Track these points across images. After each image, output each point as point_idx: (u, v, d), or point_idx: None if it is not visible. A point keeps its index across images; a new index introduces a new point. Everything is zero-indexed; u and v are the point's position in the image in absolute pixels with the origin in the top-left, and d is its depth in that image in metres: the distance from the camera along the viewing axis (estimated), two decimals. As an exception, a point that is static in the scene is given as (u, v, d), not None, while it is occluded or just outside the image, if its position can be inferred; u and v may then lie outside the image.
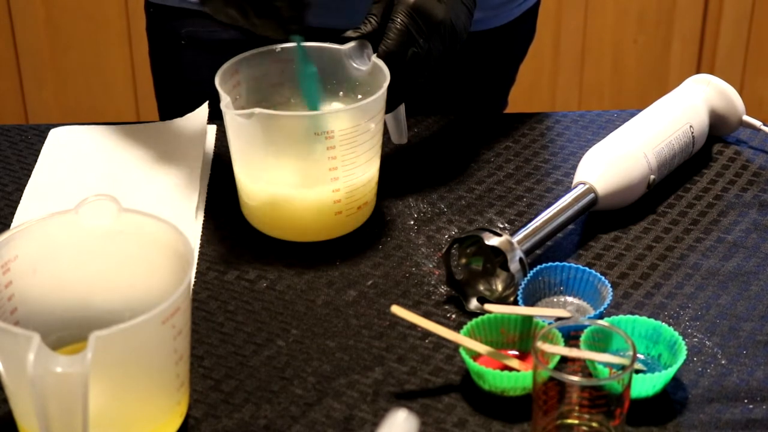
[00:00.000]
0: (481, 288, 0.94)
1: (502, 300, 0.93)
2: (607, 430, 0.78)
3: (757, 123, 1.15)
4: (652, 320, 0.86)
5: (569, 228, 1.02)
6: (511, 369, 0.84)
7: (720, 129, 1.15)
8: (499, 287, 0.94)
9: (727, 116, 1.14)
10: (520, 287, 0.90)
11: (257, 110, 0.94)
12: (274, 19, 0.96)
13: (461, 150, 1.15)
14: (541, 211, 0.99)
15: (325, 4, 1.18)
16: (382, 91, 0.97)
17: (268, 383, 0.86)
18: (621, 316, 0.87)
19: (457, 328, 0.87)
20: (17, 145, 1.16)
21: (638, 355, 0.86)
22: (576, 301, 0.93)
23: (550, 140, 1.17)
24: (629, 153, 1.04)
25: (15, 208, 1.05)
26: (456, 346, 0.88)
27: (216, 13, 0.97)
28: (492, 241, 0.92)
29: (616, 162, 1.03)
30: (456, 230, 1.03)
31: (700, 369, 0.88)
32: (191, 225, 1.02)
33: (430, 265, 0.99)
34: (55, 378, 0.70)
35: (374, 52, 1.00)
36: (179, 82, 1.29)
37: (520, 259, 0.91)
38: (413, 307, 0.93)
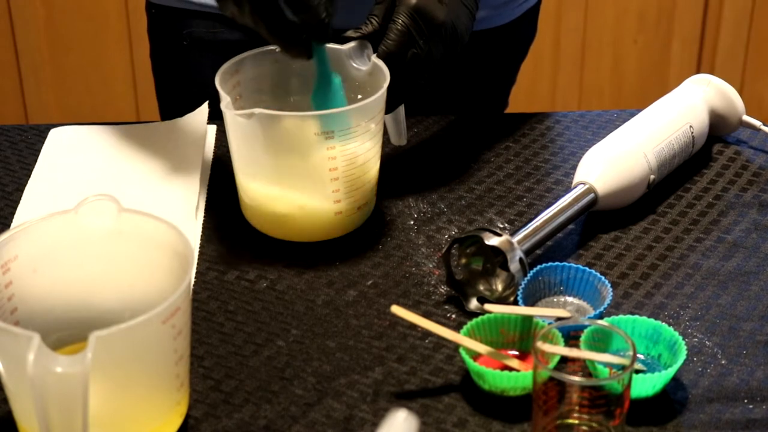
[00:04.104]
0: (481, 288, 0.94)
1: (502, 300, 0.93)
2: (607, 430, 0.78)
3: (757, 123, 1.15)
4: (652, 320, 0.86)
5: (569, 228, 1.02)
6: (511, 369, 0.84)
7: (720, 129, 1.15)
8: (499, 287, 0.94)
9: (727, 116, 1.14)
10: (520, 287, 0.90)
11: (257, 110, 0.94)
12: (285, 39, 0.95)
13: (461, 150, 1.15)
14: (541, 211, 0.99)
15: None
16: (382, 92, 0.97)
17: (268, 383, 0.86)
18: (621, 316, 0.87)
19: (457, 328, 0.87)
20: (17, 145, 1.16)
21: (638, 355, 0.86)
22: (576, 301, 0.93)
23: (550, 140, 1.17)
24: (629, 153, 1.04)
25: (15, 208, 1.05)
26: (456, 346, 0.88)
27: (239, 18, 0.96)
28: (492, 241, 0.92)
29: (616, 162, 1.03)
30: (456, 230, 1.03)
31: (700, 369, 0.88)
32: (191, 225, 1.02)
33: (430, 265, 0.99)
34: (55, 378, 0.70)
35: (374, 53, 1.00)
36: (180, 82, 1.29)
37: (520, 259, 0.91)
38: (413, 307, 0.93)
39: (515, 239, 0.93)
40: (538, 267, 0.92)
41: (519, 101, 1.53)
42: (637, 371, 0.83)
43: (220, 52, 1.04)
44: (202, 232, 1.03)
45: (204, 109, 1.15)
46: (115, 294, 0.84)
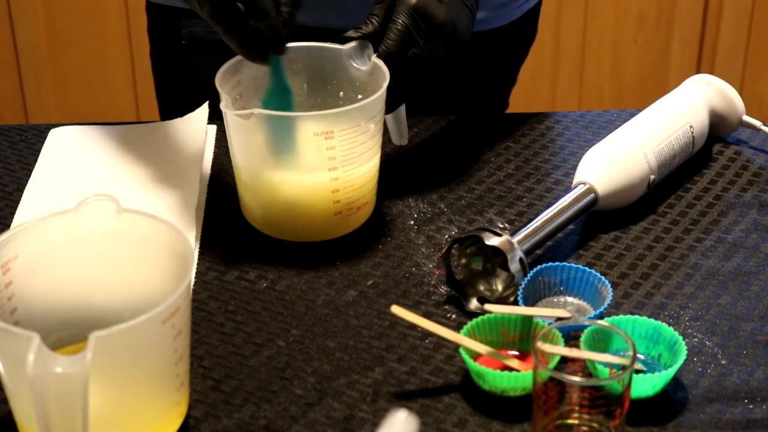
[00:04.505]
0: (481, 288, 0.94)
1: (502, 300, 0.93)
2: (607, 430, 0.78)
3: (757, 123, 1.15)
4: (652, 320, 0.86)
5: (569, 228, 1.02)
6: (511, 369, 0.84)
7: (720, 129, 1.15)
8: (499, 287, 0.94)
9: (727, 116, 1.14)
10: (520, 287, 0.90)
11: (257, 110, 0.94)
12: (242, 42, 0.95)
13: (461, 150, 1.15)
14: (541, 211, 0.99)
15: (326, 3, 1.19)
16: (382, 92, 0.97)
17: (268, 383, 0.86)
18: (621, 316, 0.87)
19: (457, 328, 0.87)
20: (17, 145, 1.16)
21: (638, 355, 0.86)
22: (576, 301, 0.93)
23: (550, 140, 1.17)
24: (629, 153, 1.04)
25: (15, 208, 1.05)
26: (456, 346, 0.88)
27: (200, 13, 0.97)
28: (492, 241, 0.92)
29: (616, 162, 1.03)
30: (456, 230, 1.03)
31: (700, 369, 0.88)
32: (191, 225, 1.02)
33: (430, 265, 0.99)
34: (55, 378, 0.70)
35: (375, 53, 1.00)
36: (180, 82, 1.29)
37: (520, 259, 0.91)
38: (413, 307, 0.93)
39: (515, 239, 0.93)
40: (538, 267, 0.92)
41: (519, 101, 1.53)
42: (637, 371, 0.83)
43: (220, 52, 1.04)
44: (202, 232, 1.03)
45: (204, 109, 1.15)
46: (115, 294, 0.84)
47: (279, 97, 0.99)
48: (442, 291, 0.95)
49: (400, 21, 0.99)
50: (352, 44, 1.01)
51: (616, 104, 2.53)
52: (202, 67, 1.22)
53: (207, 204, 1.06)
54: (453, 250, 0.95)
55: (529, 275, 0.91)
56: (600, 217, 1.04)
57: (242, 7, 0.93)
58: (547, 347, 0.79)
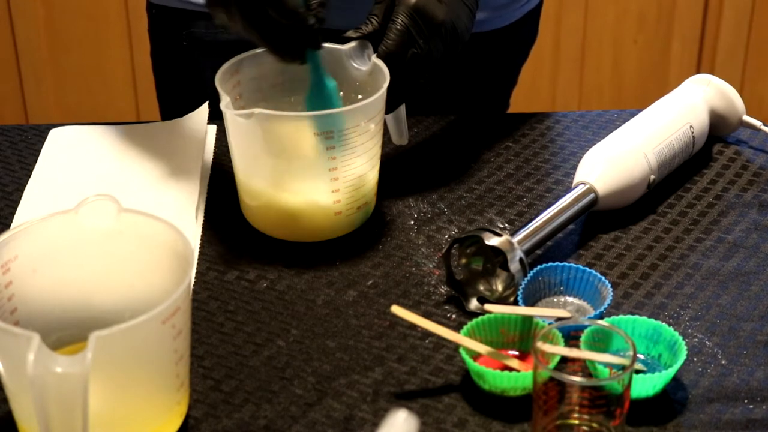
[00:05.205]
0: (481, 288, 0.94)
1: (502, 300, 0.93)
2: (607, 430, 0.78)
3: (757, 123, 1.15)
4: (652, 320, 0.86)
5: (569, 228, 1.02)
6: (511, 369, 0.84)
7: (720, 129, 1.15)
8: (499, 287, 0.94)
9: (727, 116, 1.14)
10: (520, 287, 0.90)
11: (257, 110, 0.94)
12: (276, 45, 0.95)
13: (461, 150, 1.15)
14: (542, 211, 0.99)
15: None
16: (382, 92, 0.97)
17: (268, 383, 0.86)
18: (621, 316, 0.87)
19: (457, 328, 0.87)
20: (17, 145, 1.16)
21: (638, 355, 0.86)
22: (576, 301, 0.93)
23: (550, 140, 1.17)
24: (629, 153, 1.04)
25: (15, 208, 1.05)
26: (456, 346, 0.88)
27: (230, 27, 0.96)
28: (492, 241, 0.92)
29: (616, 162, 1.03)
30: (456, 230, 1.03)
31: (700, 369, 0.88)
32: (191, 225, 1.02)
33: (430, 265, 0.99)
34: (55, 378, 0.70)
35: (375, 53, 1.00)
36: (180, 82, 1.30)
37: (520, 259, 0.91)
38: (413, 307, 0.93)
39: (515, 239, 0.93)
40: (538, 267, 0.92)
41: (519, 101, 1.53)
42: (637, 371, 0.83)
43: (220, 52, 1.04)
44: (202, 232, 1.03)
45: (204, 109, 1.15)
46: (115, 294, 0.84)
47: (322, 92, 0.99)
48: (442, 291, 0.95)
49: (399, 21, 0.99)
50: (352, 44, 1.01)
51: (616, 104, 2.53)
52: (202, 67, 1.22)
53: (207, 204, 1.06)
54: (453, 250, 0.95)
55: (529, 275, 0.91)
56: (600, 217, 1.04)
57: (271, 11, 0.93)
58: (547, 347, 0.79)
